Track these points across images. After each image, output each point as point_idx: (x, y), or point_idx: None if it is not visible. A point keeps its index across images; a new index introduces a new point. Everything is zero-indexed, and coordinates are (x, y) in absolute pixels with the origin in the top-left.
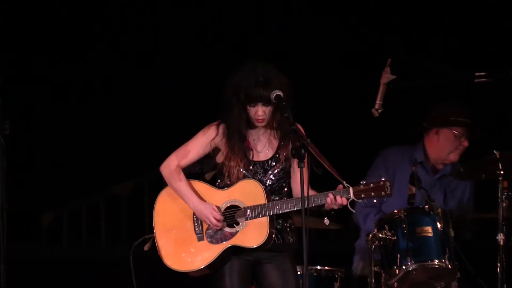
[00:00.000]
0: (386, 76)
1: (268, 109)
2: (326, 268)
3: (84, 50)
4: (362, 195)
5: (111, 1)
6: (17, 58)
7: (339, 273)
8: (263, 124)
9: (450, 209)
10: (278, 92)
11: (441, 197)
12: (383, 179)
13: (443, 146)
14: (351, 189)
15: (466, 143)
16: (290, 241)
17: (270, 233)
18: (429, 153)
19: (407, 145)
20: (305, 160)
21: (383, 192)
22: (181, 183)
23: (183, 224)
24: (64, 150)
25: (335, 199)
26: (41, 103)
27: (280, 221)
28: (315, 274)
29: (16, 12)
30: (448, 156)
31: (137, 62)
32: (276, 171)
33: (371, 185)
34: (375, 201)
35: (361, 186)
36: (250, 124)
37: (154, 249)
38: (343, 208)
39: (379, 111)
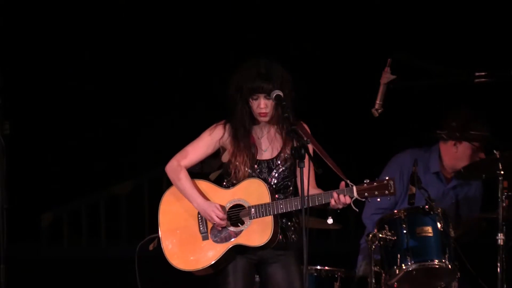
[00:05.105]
0: (386, 76)
1: (270, 103)
2: (326, 268)
3: (84, 49)
4: (366, 194)
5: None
6: (17, 58)
7: (339, 273)
8: (267, 119)
9: (463, 214)
10: (278, 92)
11: (454, 204)
12: (387, 178)
13: (461, 158)
14: (354, 188)
15: (482, 155)
16: (294, 240)
17: (275, 232)
18: (445, 162)
19: (420, 148)
20: (305, 160)
21: (386, 191)
22: (185, 182)
23: (188, 223)
24: (64, 150)
25: (338, 198)
26: (41, 103)
27: (284, 220)
28: (315, 274)
29: (17, 11)
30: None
31: (139, 62)
32: (281, 170)
33: (375, 184)
34: (379, 199)
35: (365, 185)
36: (254, 120)
37: (159, 248)
38: (346, 208)
39: (379, 111)
